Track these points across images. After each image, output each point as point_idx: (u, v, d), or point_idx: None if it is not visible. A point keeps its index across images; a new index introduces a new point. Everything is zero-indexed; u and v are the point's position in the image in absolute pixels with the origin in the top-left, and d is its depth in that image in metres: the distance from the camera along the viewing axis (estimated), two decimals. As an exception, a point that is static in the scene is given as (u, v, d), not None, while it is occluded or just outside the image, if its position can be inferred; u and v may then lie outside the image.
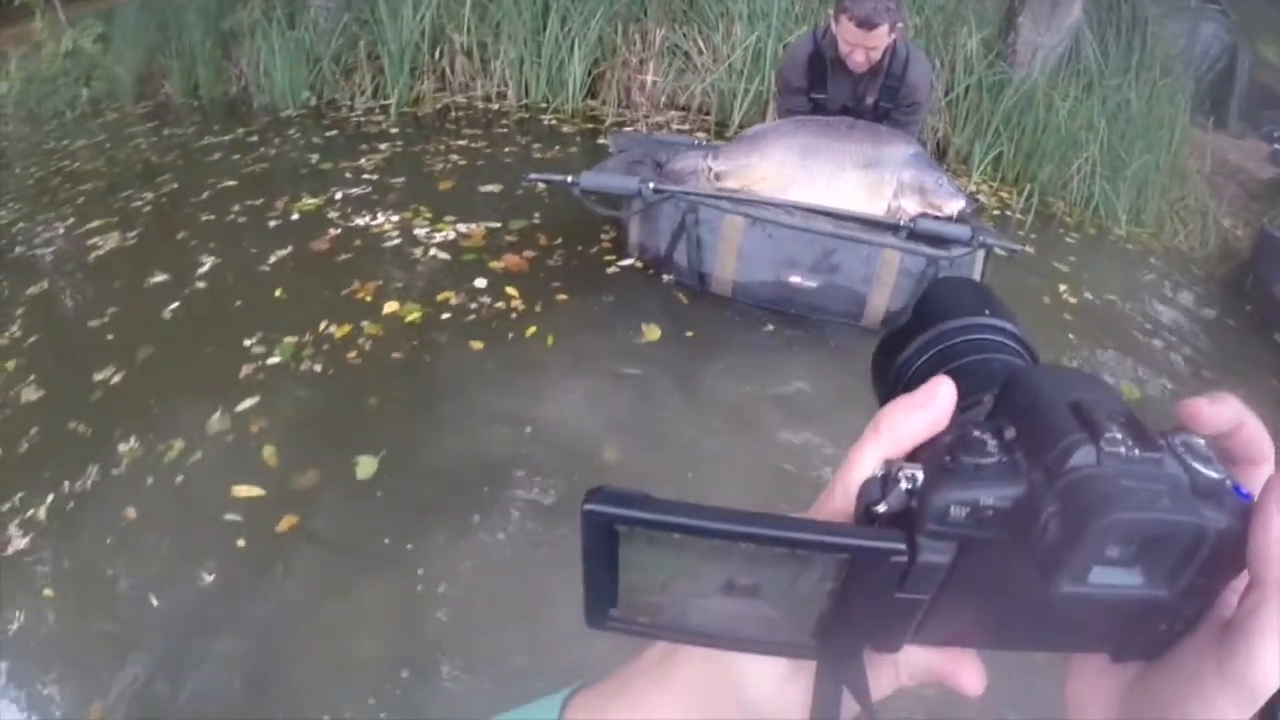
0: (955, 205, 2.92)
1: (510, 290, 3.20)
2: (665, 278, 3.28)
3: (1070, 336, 3.49)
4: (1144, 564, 0.26)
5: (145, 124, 5.42)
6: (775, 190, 3.02)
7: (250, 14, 5.38)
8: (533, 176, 3.23)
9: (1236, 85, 6.01)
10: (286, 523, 2.24)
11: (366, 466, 2.40)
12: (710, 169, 3.11)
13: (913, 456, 0.29)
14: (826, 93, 3.04)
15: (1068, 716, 0.33)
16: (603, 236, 3.54)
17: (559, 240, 3.56)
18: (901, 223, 2.89)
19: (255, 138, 4.93)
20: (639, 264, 3.37)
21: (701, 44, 4.96)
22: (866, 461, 0.30)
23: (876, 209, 2.96)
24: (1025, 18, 4.72)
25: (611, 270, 3.39)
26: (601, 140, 4.55)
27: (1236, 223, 4.90)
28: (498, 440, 2.51)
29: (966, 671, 0.32)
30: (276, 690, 1.85)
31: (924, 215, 2.92)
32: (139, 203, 4.21)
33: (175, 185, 4.37)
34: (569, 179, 3.06)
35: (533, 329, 2.99)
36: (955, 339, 0.36)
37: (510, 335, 2.98)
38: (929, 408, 0.30)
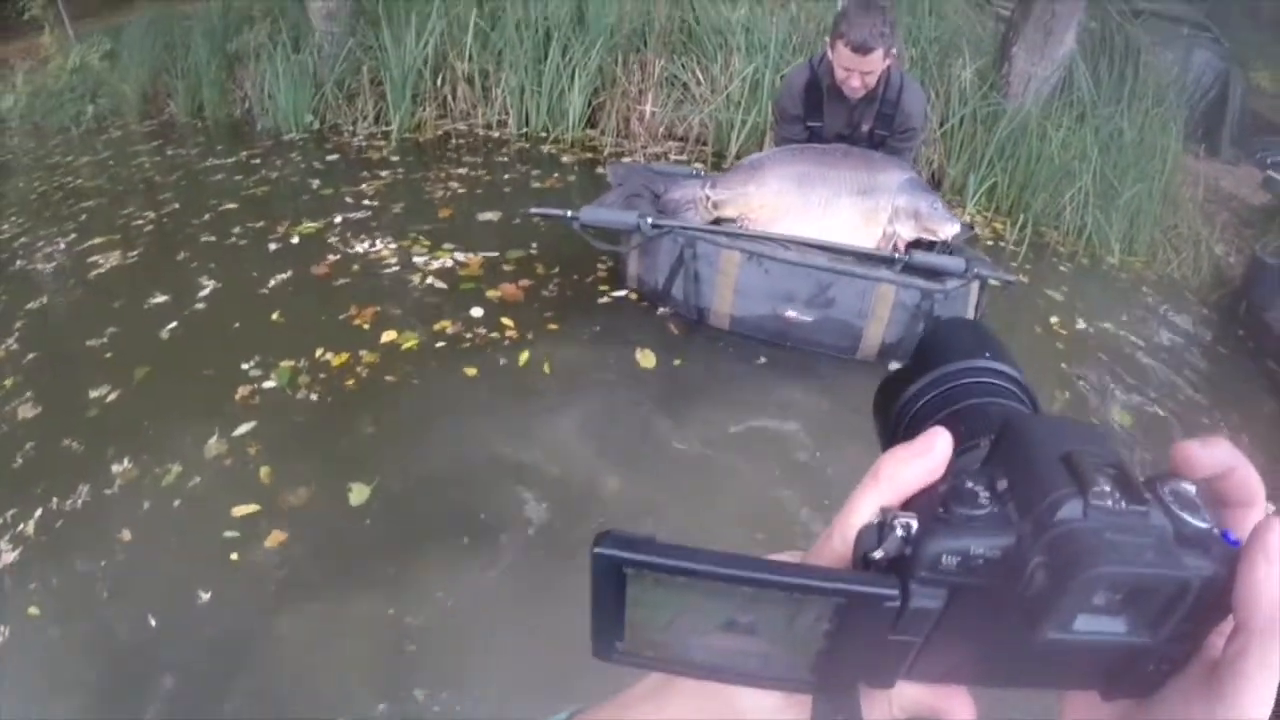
0: (950, 230, 2.96)
1: (506, 320, 3.23)
2: (660, 310, 3.32)
3: (1063, 365, 3.50)
4: (1128, 613, 0.27)
5: (149, 142, 5.48)
6: (772, 218, 3.06)
7: (256, 37, 5.46)
8: (533, 210, 3.26)
9: (1229, 112, 6.06)
10: (275, 539, 2.26)
11: (359, 493, 2.42)
12: (708, 198, 3.15)
13: (909, 504, 0.31)
14: (823, 120, 3.08)
15: None
16: (599, 266, 3.58)
17: (556, 270, 3.59)
18: (897, 255, 2.92)
19: (258, 160, 4.98)
20: (633, 295, 3.41)
21: (700, 75, 5.02)
22: (864, 508, 0.31)
23: (872, 235, 3.00)
24: (1019, 48, 4.78)
25: (606, 300, 3.42)
26: (600, 170, 4.59)
27: (1229, 250, 4.93)
28: (491, 469, 2.52)
29: (957, 707, 0.33)
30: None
31: (919, 241, 2.97)
32: (140, 221, 4.25)
33: (177, 205, 4.42)
34: (569, 214, 3.10)
35: (526, 355, 3.02)
36: (955, 381, 0.37)
37: (504, 363, 3.00)
38: (926, 457, 0.31)
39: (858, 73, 2.81)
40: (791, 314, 3.06)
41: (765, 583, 0.28)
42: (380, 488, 2.44)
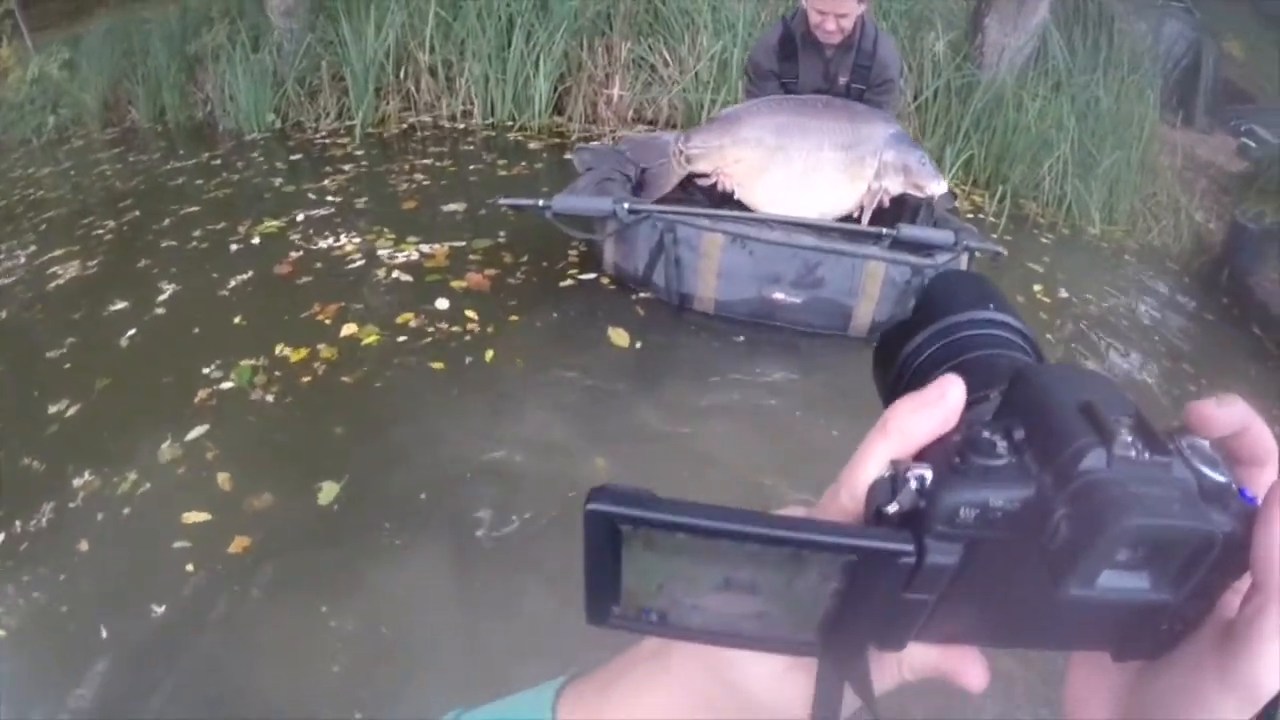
0: (937, 186, 2.87)
1: (470, 312, 3.14)
2: (635, 295, 3.24)
3: (1048, 336, 3.46)
4: (1151, 569, 0.26)
5: (111, 150, 5.38)
6: (748, 173, 2.92)
7: (215, 38, 5.37)
8: (502, 201, 3.15)
9: (1202, 81, 6.06)
10: (238, 545, 2.18)
11: (327, 492, 2.33)
12: (681, 152, 2.98)
13: (919, 456, 0.29)
14: (798, 75, 2.99)
15: (1067, 714, 0.33)
16: (570, 252, 3.50)
17: (525, 258, 3.51)
18: (884, 231, 2.84)
19: (219, 162, 4.89)
20: (605, 279, 3.32)
21: (667, 56, 4.95)
22: (874, 461, 0.29)
23: (856, 191, 2.88)
24: (992, 19, 4.73)
25: (572, 284, 3.35)
26: (568, 156, 4.50)
27: (1209, 216, 4.91)
28: (458, 459, 2.45)
29: (970, 668, 0.32)
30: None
31: (903, 199, 2.88)
32: (101, 230, 4.16)
33: (138, 212, 4.32)
34: (540, 203, 2.99)
35: (492, 350, 2.93)
36: (960, 333, 0.35)
37: (470, 354, 2.92)
38: (939, 406, 0.29)
39: (833, 15, 2.75)
40: (779, 296, 2.97)
41: (772, 539, 0.27)
42: (349, 486, 2.35)
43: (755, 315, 3.06)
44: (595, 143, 4.66)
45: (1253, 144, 5.66)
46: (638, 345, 3.00)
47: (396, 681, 1.84)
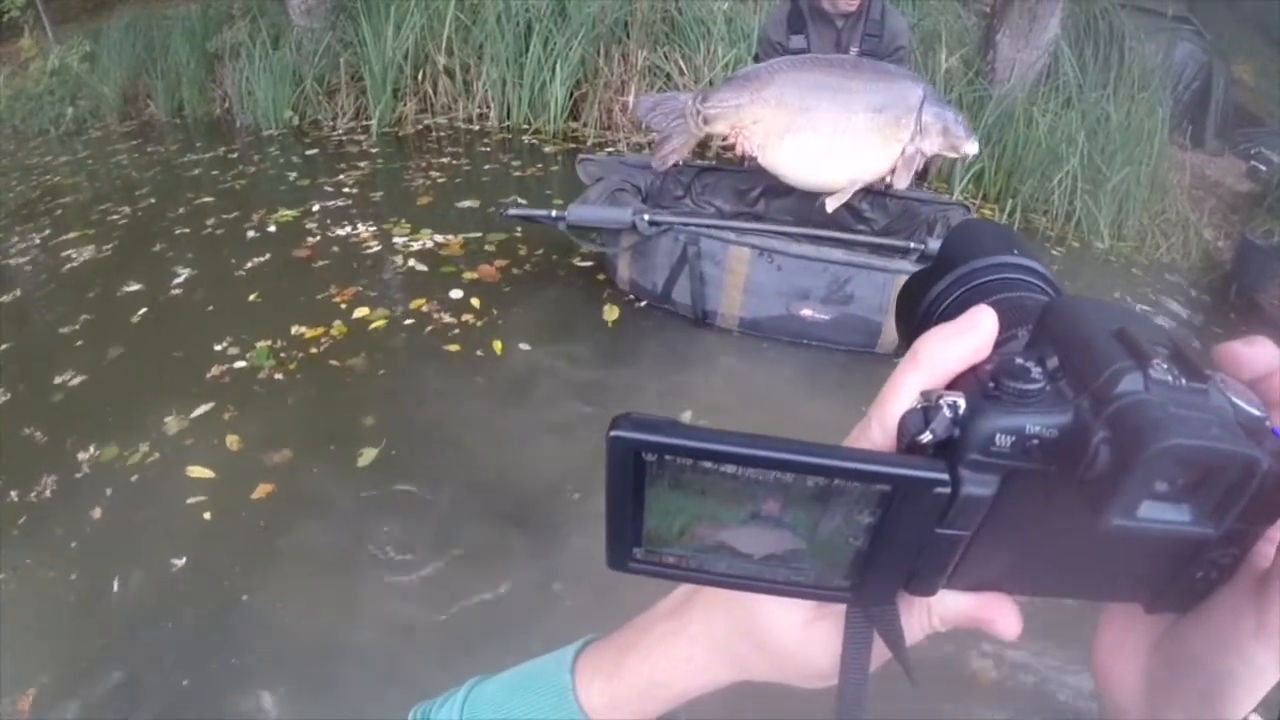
0: (972, 146, 2.79)
1: (475, 300, 3.16)
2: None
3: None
4: (1192, 500, 0.25)
5: (129, 141, 5.43)
6: (769, 133, 2.76)
7: (235, 35, 5.42)
8: (511, 213, 3.03)
9: (1212, 104, 6.07)
10: (259, 491, 2.23)
11: (366, 457, 2.39)
12: (699, 112, 2.82)
13: (951, 387, 0.28)
14: (809, 48, 2.89)
15: (1097, 670, 0.32)
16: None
17: (539, 251, 3.53)
18: (911, 245, 2.80)
19: (235, 155, 4.93)
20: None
21: (683, 64, 4.98)
22: (905, 392, 0.28)
23: (890, 154, 2.75)
24: (1003, 34, 4.77)
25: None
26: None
27: (1218, 234, 4.91)
28: (468, 440, 2.48)
29: (1003, 615, 0.31)
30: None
31: (925, 170, 2.80)
32: (116, 216, 4.20)
33: (153, 200, 4.36)
34: (552, 213, 2.88)
35: (499, 342, 2.94)
36: (986, 277, 0.35)
37: (479, 342, 2.94)
38: (971, 334, 0.28)
39: None
40: (807, 312, 2.85)
41: (804, 466, 0.26)
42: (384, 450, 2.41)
43: (781, 333, 2.95)
44: (601, 154, 4.66)
45: (1262, 166, 5.68)
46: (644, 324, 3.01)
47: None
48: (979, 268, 0.35)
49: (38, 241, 4.01)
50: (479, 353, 2.88)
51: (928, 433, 0.26)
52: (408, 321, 3.04)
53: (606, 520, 0.27)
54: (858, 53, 2.90)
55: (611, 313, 3.05)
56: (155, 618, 1.94)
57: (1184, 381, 0.24)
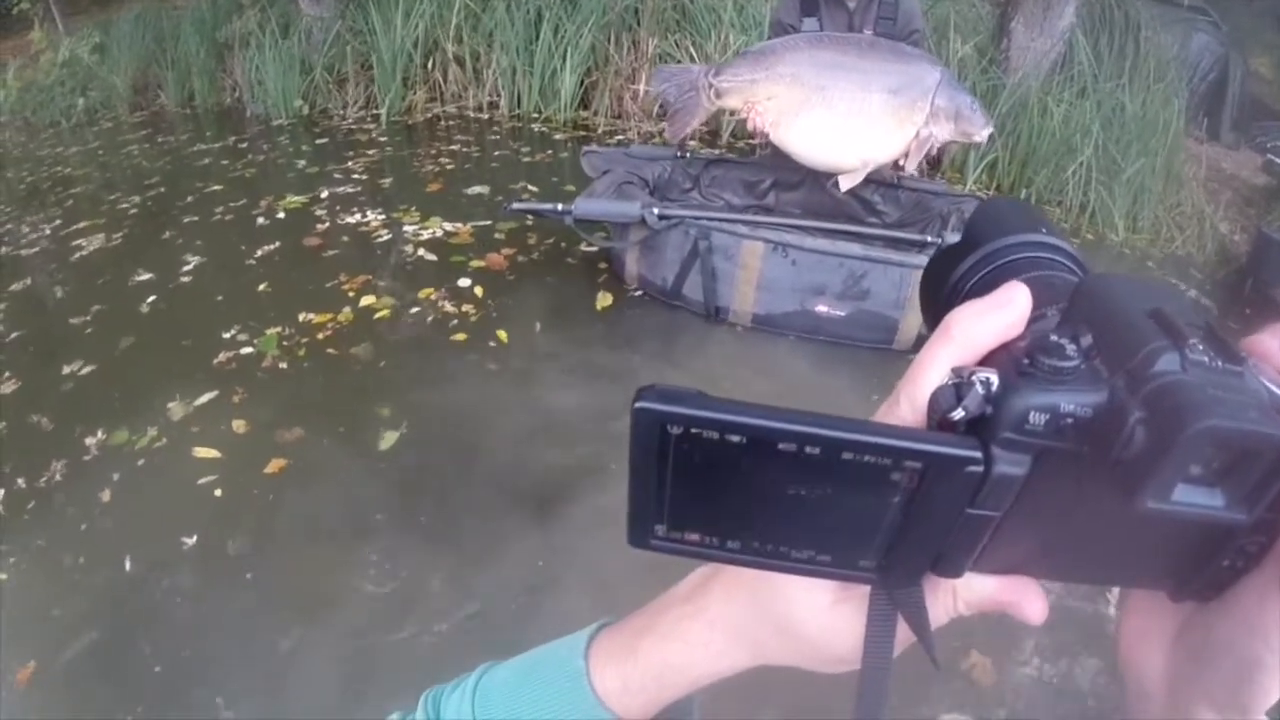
0: (985, 132, 2.75)
1: (479, 289, 3.16)
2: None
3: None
4: (1225, 485, 0.24)
5: (139, 132, 5.44)
6: (786, 112, 2.70)
7: (245, 24, 5.42)
8: (515, 206, 2.98)
9: (1229, 97, 6.00)
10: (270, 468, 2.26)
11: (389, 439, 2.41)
12: (711, 85, 2.76)
13: (983, 363, 0.27)
14: (821, 29, 2.85)
15: (1120, 657, 0.32)
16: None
17: (549, 241, 3.52)
18: (929, 239, 2.76)
19: (245, 144, 4.95)
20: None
21: (694, 52, 4.95)
22: (936, 369, 0.28)
23: (903, 137, 2.70)
24: (1018, 23, 4.72)
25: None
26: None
27: (1233, 228, 4.85)
28: (477, 424, 2.48)
29: (1028, 600, 0.30)
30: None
31: (938, 158, 2.77)
32: (126, 205, 4.21)
33: (163, 189, 4.37)
34: (558, 207, 2.82)
35: (503, 331, 2.94)
36: (1014, 255, 0.34)
37: (486, 330, 2.94)
38: (1006, 309, 0.28)
39: None
40: (822, 309, 2.80)
41: (834, 441, 0.25)
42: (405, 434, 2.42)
43: (795, 329, 2.89)
44: (607, 145, 4.65)
45: (1279, 160, 5.61)
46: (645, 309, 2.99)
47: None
48: (1007, 245, 0.34)
49: (48, 231, 4.02)
50: (490, 343, 2.87)
51: (960, 409, 0.25)
52: (414, 310, 3.04)
53: (630, 496, 0.27)
54: (871, 35, 2.84)
55: (610, 302, 3.04)
56: (165, 594, 1.95)
57: (1220, 363, 0.24)
